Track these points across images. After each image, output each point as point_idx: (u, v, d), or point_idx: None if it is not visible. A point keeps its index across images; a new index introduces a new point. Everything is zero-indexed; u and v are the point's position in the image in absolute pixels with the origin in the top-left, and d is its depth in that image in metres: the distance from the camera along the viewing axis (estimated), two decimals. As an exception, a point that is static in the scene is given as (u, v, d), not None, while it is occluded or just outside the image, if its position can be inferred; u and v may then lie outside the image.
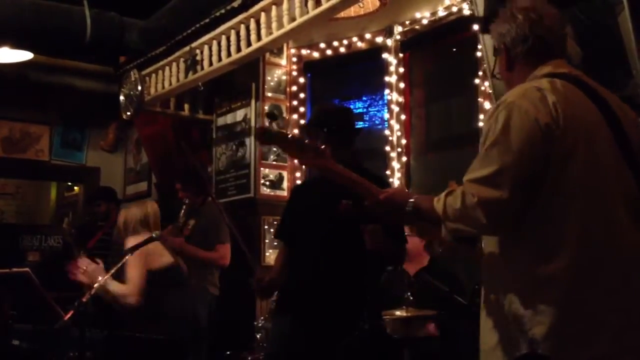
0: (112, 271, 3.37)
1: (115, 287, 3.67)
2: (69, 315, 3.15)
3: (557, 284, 1.75)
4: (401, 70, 5.34)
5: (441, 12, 4.94)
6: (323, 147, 2.11)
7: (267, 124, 2.14)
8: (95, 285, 3.28)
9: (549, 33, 1.99)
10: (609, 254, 1.78)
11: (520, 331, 1.78)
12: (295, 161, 5.65)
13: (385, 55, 5.38)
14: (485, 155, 1.81)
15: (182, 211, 5.02)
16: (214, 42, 5.16)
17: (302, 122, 5.33)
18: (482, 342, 1.93)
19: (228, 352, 3.94)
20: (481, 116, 4.58)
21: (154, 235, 3.71)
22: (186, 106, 6.28)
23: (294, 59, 5.92)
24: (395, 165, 5.25)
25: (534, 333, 1.75)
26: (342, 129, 3.24)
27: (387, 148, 5.30)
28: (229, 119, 6.08)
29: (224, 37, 5.06)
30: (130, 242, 3.87)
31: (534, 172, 1.77)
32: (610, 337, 1.74)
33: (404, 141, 5.28)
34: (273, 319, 3.71)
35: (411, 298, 3.92)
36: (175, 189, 5.18)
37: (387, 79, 5.37)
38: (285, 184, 5.77)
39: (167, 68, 5.75)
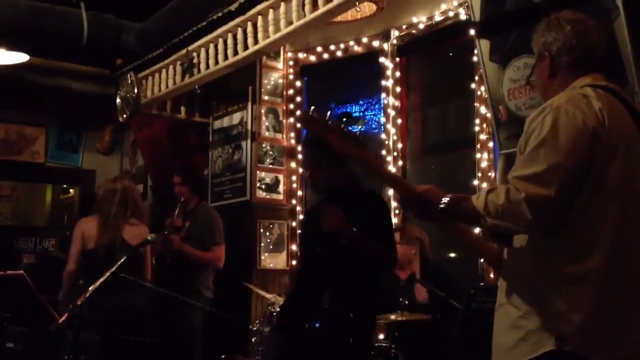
0: (107, 274, 3.35)
1: None
2: (63, 318, 3.14)
3: (589, 284, 1.80)
4: (398, 74, 5.34)
5: (438, 17, 4.95)
6: (362, 137, 2.12)
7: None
8: (90, 288, 3.26)
9: (594, 45, 2.05)
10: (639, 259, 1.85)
11: (548, 329, 1.81)
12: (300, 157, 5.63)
13: (382, 60, 5.38)
14: (531, 154, 1.83)
15: (177, 209, 5.02)
16: (211, 45, 5.16)
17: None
18: (499, 341, 1.95)
19: (223, 356, 3.93)
20: (477, 121, 4.59)
21: (149, 238, 3.71)
22: (183, 109, 6.28)
23: (291, 63, 5.93)
24: (392, 169, 5.24)
25: (563, 331, 1.78)
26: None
27: (384, 152, 5.30)
28: (225, 122, 6.08)
29: (220, 40, 5.06)
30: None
31: (579, 173, 1.81)
32: (636, 339, 1.80)
33: (400, 145, 5.29)
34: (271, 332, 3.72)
35: (406, 302, 3.94)
36: (172, 184, 5.16)
37: (383, 83, 5.38)
38: (281, 188, 5.77)
39: (163, 71, 5.75)
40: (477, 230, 2.60)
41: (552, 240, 1.86)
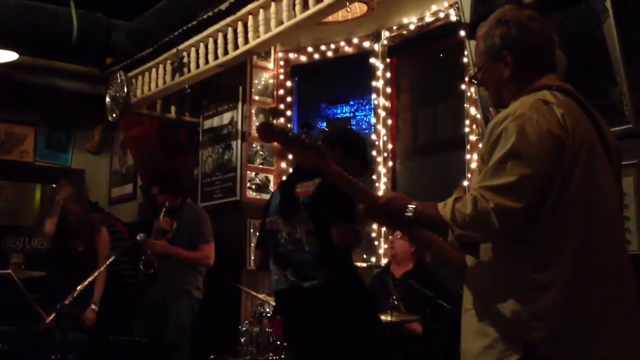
0: (95, 274, 3.34)
1: None
2: (51, 318, 3.12)
3: (555, 291, 1.77)
4: (388, 75, 5.35)
5: (428, 18, 4.96)
6: (322, 147, 2.06)
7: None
8: (78, 287, 3.25)
9: (544, 42, 2.00)
10: (607, 261, 1.83)
11: (514, 337, 1.78)
12: (290, 156, 5.64)
13: (372, 60, 5.39)
14: (498, 164, 1.80)
15: (162, 214, 5.01)
16: (201, 45, 5.15)
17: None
18: (466, 347, 1.92)
19: (212, 356, 3.92)
20: (467, 122, 4.60)
21: (138, 238, 3.69)
22: (173, 108, 6.26)
23: (282, 63, 5.92)
24: (382, 169, 5.26)
25: (530, 339, 1.75)
26: (356, 152, 3.22)
27: (374, 152, 5.31)
28: (215, 121, 6.07)
29: (211, 40, 5.06)
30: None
31: (548, 181, 1.79)
32: (608, 342, 1.77)
33: (390, 146, 5.30)
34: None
35: (396, 303, 3.94)
36: (154, 194, 5.15)
37: (374, 83, 5.39)
38: (271, 187, 5.76)
39: (153, 70, 5.74)
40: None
41: (517, 247, 1.83)
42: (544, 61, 2.00)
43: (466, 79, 4.57)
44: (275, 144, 5.78)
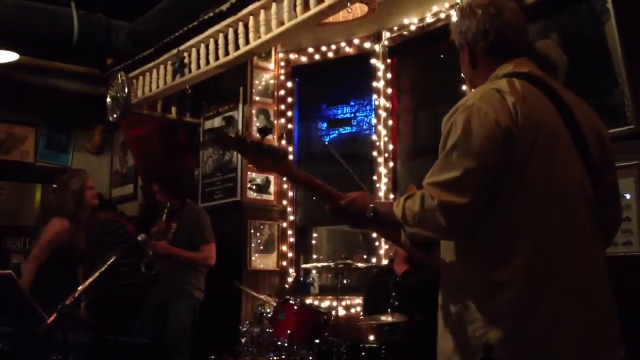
0: (96, 274, 3.34)
1: None
2: (52, 318, 3.12)
3: (512, 289, 1.72)
4: (389, 75, 5.35)
5: (429, 19, 4.96)
6: (283, 149, 2.03)
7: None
8: (79, 288, 3.25)
9: (509, 27, 1.97)
10: (566, 258, 1.76)
11: (476, 337, 1.74)
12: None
13: (373, 61, 5.39)
14: (445, 159, 1.77)
15: (164, 215, 5.01)
16: (202, 45, 5.15)
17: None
18: (439, 348, 1.88)
19: (212, 357, 3.92)
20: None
21: (139, 238, 3.69)
22: (173, 109, 6.26)
23: (282, 63, 5.92)
24: (382, 170, 5.26)
25: (489, 338, 1.72)
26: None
27: (374, 153, 5.30)
28: (216, 122, 6.07)
29: (212, 41, 5.05)
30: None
31: (495, 175, 1.74)
32: (569, 341, 1.71)
33: (391, 147, 5.29)
34: None
35: (396, 303, 3.93)
36: (154, 191, 5.16)
37: (374, 84, 5.38)
38: (272, 188, 5.76)
39: (154, 71, 5.73)
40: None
41: (472, 245, 1.79)
42: (502, 47, 1.96)
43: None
44: (277, 144, 5.79)
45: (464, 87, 4.65)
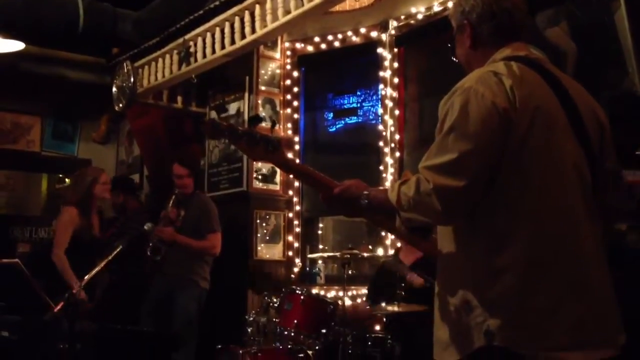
0: (103, 263, 3.34)
1: None
2: (59, 307, 3.12)
3: (513, 274, 1.70)
4: (396, 65, 5.32)
5: (436, 7, 4.92)
6: (277, 138, 1.98)
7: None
8: (86, 277, 3.25)
9: (516, 9, 1.94)
10: (566, 243, 1.74)
11: (475, 324, 1.72)
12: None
13: (379, 50, 5.36)
14: (442, 141, 1.74)
15: (171, 201, 5.01)
16: (208, 34, 5.13)
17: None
18: (436, 337, 1.86)
19: (219, 346, 3.92)
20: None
21: (145, 227, 3.69)
22: (179, 99, 6.24)
23: (288, 53, 5.90)
24: (389, 160, 5.24)
25: (489, 325, 1.70)
26: None
27: (381, 143, 5.28)
28: (222, 112, 6.05)
29: (218, 30, 5.03)
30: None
31: (492, 158, 1.72)
32: (569, 328, 1.69)
33: (397, 136, 5.27)
34: None
35: (403, 294, 3.92)
36: (173, 175, 5.13)
37: (381, 73, 5.36)
38: (278, 178, 5.75)
39: (160, 60, 5.72)
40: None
41: (472, 232, 1.77)
42: (507, 29, 1.94)
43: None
44: (283, 134, 5.78)
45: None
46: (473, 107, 1.73)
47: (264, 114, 5.72)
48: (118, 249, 3.35)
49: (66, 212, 4.78)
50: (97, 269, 3.27)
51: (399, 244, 4.64)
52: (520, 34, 1.96)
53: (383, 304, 3.93)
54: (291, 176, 5.58)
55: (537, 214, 1.73)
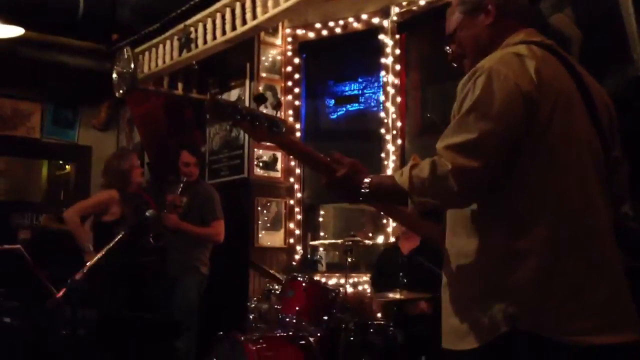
0: (105, 249, 3.33)
1: None
2: (61, 293, 3.12)
3: (536, 256, 1.67)
4: (397, 51, 5.29)
5: (439, -6, 4.89)
6: (281, 119, 1.93)
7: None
8: (88, 263, 3.24)
9: None
10: (587, 225, 1.72)
11: (497, 310, 1.69)
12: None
13: (381, 37, 5.33)
14: (461, 120, 1.71)
15: (181, 188, 5.00)
16: (209, 20, 5.09)
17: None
18: (449, 326, 1.81)
19: (220, 333, 3.92)
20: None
21: (147, 214, 3.68)
22: (180, 85, 6.21)
23: (289, 39, 5.86)
24: (390, 147, 5.22)
25: (515, 310, 1.67)
26: None
27: (382, 130, 5.27)
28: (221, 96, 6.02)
29: (219, 15, 5.00)
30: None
31: (514, 139, 1.69)
32: (594, 310, 1.67)
33: (399, 124, 5.25)
34: None
35: (405, 280, 3.92)
36: (177, 162, 5.11)
37: (383, 60, 5.33)
38: (279, 165, 5.74)
39: (160, 46, 5.68)
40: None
41: (491, 215, 1.74)
42: (525, 13, 1.93)
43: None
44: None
45: (474, 63, 4.59)
46: (495, 88, 1.70)
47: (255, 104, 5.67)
48: (119, 236, 3.34)
49: (105, 192, 4.92)
50: (99, 255, 3.26)
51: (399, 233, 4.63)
52: (532, 21, 1.95)
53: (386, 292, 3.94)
54: (293, 159, 5.58)
55: (560, 196, 1.71)
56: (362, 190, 1.83)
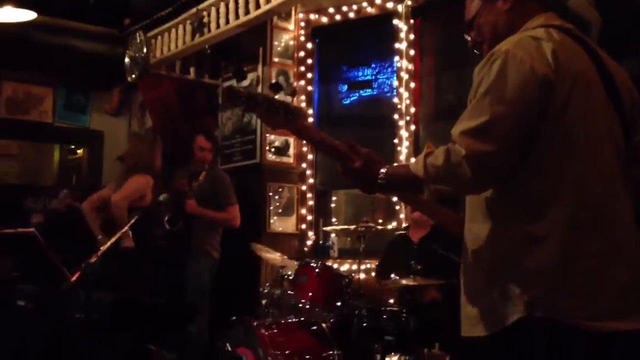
0: (118, 234, 3.33)
1: None
2: (75, 277, 3.12)
3: (554, 241, 1.65)
4: (411, 37, 5.25)
5: (454, -22, 4.83)
6: (297, 106, 1.92)
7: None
8: (102, 248, 3.25)
9: None
10: (606, 209, 1.70)
11: (515, 295, 1.67)
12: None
13: (395, 22, 5.28)
14: (476, 104, 1.69)
15: (202, 175, 5.01)
16: (222, 4, 5.07)
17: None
18: (465, 313, 1.80)
19: (233, 318, 3.92)
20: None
21: (160, 198, 3.68)
22: (192, 70, 6.19)
23: (302, 24, 5.83)
24: (404, 133, 5.19)
25: (532, 295, 1.65)
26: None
27: (396, 116, 5.23)
28: (235, 84, 6.00)
29: (232, -1, 4.97)
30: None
31: (529, 123, 1.67)
32: (614, 295, 1.65)
33: (412, 109, 5.22)
34: None
35: (418, 267, 3.90)
36: (191, 146, 5.12)
37: (396, 45, 5.28)
38: (291, 151, 5.72)
39: (173, 30, 5.67)
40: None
41: (508, 200, 1.72)
42: None
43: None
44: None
45: (490, 49, 4.55)
46: (511, 71, 1.68)
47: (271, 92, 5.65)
48: (134, 219, 3.35)
49: (142, 179, 4.82)
50: (113, 239, 3.27)
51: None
52: (551, 5, 1.92)
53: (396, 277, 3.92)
54: (306, 145, 5.56)
55: (578, 179, 1.69)
56: (379, 182, 1.83)
